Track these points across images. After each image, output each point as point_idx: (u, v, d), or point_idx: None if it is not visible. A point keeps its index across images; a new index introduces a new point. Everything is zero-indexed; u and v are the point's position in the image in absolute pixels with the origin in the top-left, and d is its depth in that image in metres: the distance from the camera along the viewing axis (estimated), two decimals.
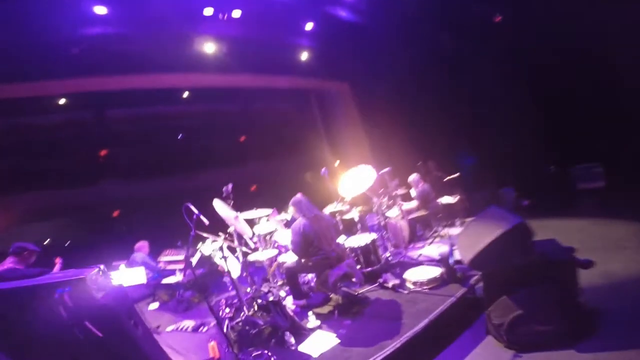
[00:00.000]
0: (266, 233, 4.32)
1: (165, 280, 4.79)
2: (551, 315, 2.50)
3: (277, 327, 3.06)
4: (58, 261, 3.64)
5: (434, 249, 4.71)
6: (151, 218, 6.46)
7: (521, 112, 6.36)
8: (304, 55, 6.64)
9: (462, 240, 3.04)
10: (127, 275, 3.72)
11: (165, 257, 5.66)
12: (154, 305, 4.81)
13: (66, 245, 6.21)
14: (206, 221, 2.91)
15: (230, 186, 3.80)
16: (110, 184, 6.63)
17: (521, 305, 2.55)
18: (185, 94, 6.81)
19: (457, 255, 3.58)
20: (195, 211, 2.85)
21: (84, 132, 6.20)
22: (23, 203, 5.69)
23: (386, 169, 4.99)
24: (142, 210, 6.69)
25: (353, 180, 4.50)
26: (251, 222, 4.13)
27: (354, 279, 3.54)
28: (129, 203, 6.77)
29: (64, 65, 4.53)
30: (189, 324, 3.80)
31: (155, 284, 4.82)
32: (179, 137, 7.46)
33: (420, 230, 5.63)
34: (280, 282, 4.09)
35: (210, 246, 3.91)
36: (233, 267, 3.64)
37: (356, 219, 4.72)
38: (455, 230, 5.28)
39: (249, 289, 3.86)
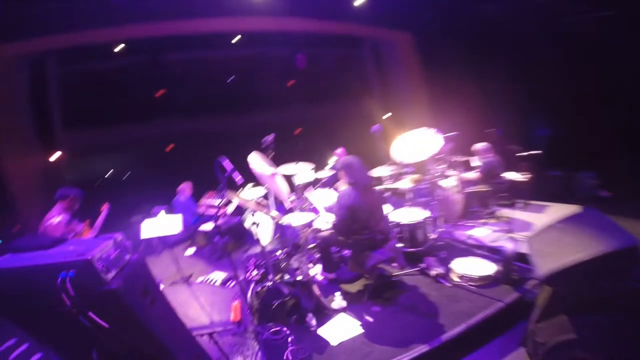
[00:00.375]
0: (305, 185, 4.03)
1: (203, 227, 4.92)
2: (610, 348, 2.00)
3: (299, 304, 2.92)
4: (104, 209, 3.77)
5: (486, 231, 4.11)
6: (203, 155, 6.69)
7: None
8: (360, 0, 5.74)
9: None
10: (163, 224, 3.78)
11: (206, 201, 5.85)
12: (191, 251, 4.98)
13: (124, 178, 6.83)
14: (240, 178, 2.76)
15: (271, 137, 3.43)
16: (165, 122, 7.01)
17: (581, 330, 2.03)
18: (236, 38, 6.76)
19: (517, 248, 3.02)
20: (228, 167, 2.71)
21: (141, 75, 6.51)
22: (87, 139, 6.29)
23: (453, 133, 4.21)
24: (195, 146, 6.96)
25: (412, 144, 3.84)
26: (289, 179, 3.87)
27: (394, 264, 3.16)
28: (183, 139, 7.16)
29: (122, 13, 4.84)
30: (217, 276, 3.86)
31: (194, 228, 4.99)
32: (229, 80, 7.56)
33: (475, 206, 4.94)
34: (311, 247, 3.91)
35: (249, 193, 3.82)
36: (264, 232, 3.48)
37: (407, 188, 4.14)
38: (515, 213, 4.55)
39: (279, 252, 3.76)
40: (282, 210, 3.74)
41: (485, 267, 3.09)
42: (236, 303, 3.20)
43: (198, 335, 2.43)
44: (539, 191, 4.64)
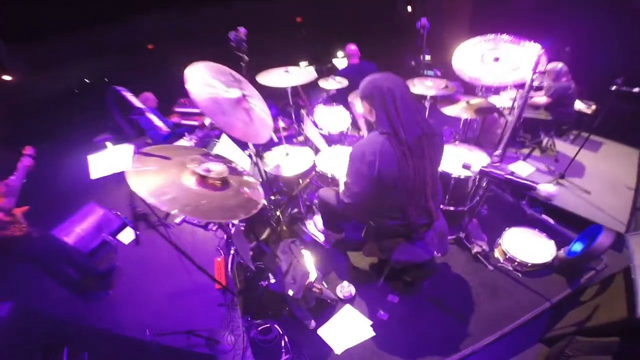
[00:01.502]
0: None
1: (177, 144, 3.88)
2: None
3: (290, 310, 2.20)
4: (27, 152, 2.47)
5: (529, 167, 3.32)
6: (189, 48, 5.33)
7: None
8: None
9: None
10: (107, 161, 2.75)
11: (181, 109, 4.63)
12: None
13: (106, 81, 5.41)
14: (138, 103, 1.80)
15: (242, 31, 2.13)
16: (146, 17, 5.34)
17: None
18: None
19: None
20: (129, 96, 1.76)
21: None
22: (62, 45, 4.94)
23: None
24: (179, 40, 5.42)
25: (502, 59, 2.32)
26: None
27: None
28: (166, 34, 5.56)
29: None
30: None
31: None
32: None
33: (521, 134, 3.89)
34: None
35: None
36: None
37: (464, 117, 2.82)
38: (566, 147, 3.67)
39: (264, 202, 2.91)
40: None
41: (542, 250, 2.32)
42: (220, 260, 2.61)
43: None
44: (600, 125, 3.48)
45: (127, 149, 2.92)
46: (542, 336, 2.08)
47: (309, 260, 2.18)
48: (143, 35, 5.51)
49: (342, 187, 1.74)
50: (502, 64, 2.23)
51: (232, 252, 2.65)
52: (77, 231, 2.95)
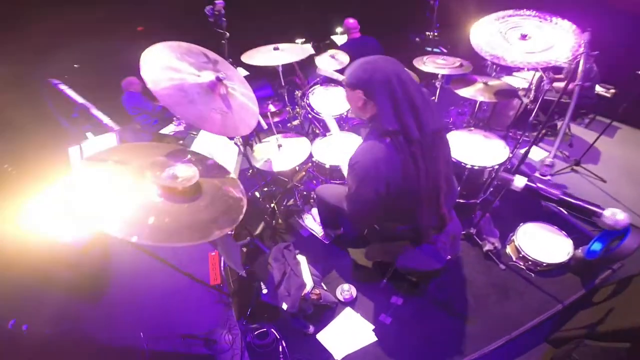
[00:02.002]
0: None
1: (164, 130, 3.66)
2: None
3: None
4: None
5: (542, 153, 3.14)
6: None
7: None
8: None
9: None
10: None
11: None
12: None
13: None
14: (79, 98, 1.33)
15: (218, 4, 1.87)
16: None
17: None
18: None
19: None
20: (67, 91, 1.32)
21: None
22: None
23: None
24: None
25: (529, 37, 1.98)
26: None
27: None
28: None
29: None
30: None
31: (156, 132, 3.71)
32: None
33: (534, 117, 3.64)
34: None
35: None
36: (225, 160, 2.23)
37: (480, 99, 2.47)
38: (581, 132, 3.52)
39: (257, 193, 2.71)
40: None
41: (558, 248, 2.16)
42: (214, 254, 2.44)
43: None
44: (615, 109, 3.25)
45: (111, 138, 2.68)
46: (549, 336, 1.96)
47: (305, 268, 1.99)
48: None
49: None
50: (530, 43, 1.94)
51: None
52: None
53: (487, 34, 2.05)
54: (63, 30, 3.69)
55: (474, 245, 2.37)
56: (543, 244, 2.19)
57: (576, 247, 2.16)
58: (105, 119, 1.30)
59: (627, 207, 2.65)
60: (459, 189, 2.33)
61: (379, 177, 1.23)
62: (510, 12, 2.13)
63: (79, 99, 1.20)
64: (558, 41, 1.89)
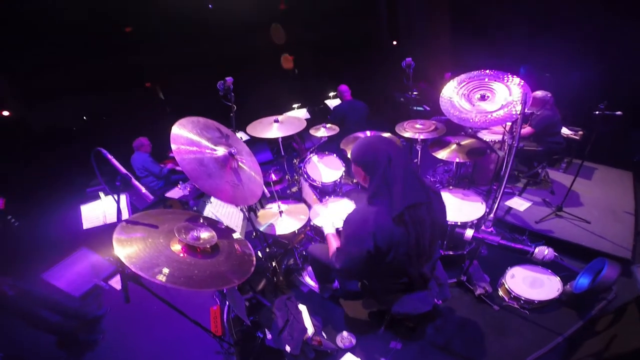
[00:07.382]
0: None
1: (169, 194, 3.89)
2: None
3: None
4: None
5: (525, 203, 3.10)
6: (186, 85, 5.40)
7: None
8: None
9: None
10: (100, 212, 2.76)
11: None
12: None
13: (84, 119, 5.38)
14: (122, 169, 1.50)
15: (228, 80, 2.19)
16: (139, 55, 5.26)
17: None
18: None
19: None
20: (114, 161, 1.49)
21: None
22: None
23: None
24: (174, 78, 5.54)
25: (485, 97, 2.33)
26: None
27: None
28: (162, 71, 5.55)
29: None
30: None
31: (160, 194, 3.97)
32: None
33: (514, 168, 3.92)
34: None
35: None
36: (232, 222, 2.43)
37: (456, 160, 2.68)
38: (559, 177, 3.73)
39: (260, 253, 2.85)
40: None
41: (546, 287, 2.24)
42: (215, 309, 2.55)
43: None
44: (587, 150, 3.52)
45: (121, 200, 2.93)
46: None
47: (306, 316, 2.09)
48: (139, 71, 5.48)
49: (332, 246, 1.72)
50: (489, 102, 2.28)
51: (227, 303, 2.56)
52: (67, 275, 2.97)
53: (453, 99, 2.40)
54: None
55: (466, 291, 2.45)
56: (532, 283, 2.28)
57: (565, 283, 2.25)
58: (143, 189, 1.54)
59: (614, 242, 2.75)
60: (445, 243, 2.54)
61: (366, 235, 1.40)
62: (475, 73, 2.43)
63: (122, 169, 1.44)
64: (511, 97, 2.21)
